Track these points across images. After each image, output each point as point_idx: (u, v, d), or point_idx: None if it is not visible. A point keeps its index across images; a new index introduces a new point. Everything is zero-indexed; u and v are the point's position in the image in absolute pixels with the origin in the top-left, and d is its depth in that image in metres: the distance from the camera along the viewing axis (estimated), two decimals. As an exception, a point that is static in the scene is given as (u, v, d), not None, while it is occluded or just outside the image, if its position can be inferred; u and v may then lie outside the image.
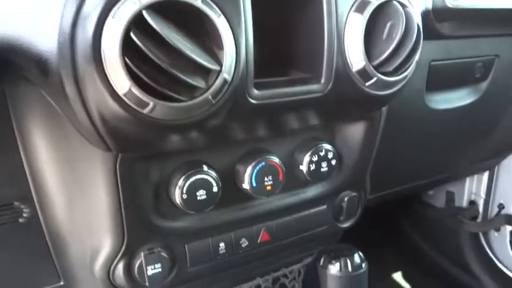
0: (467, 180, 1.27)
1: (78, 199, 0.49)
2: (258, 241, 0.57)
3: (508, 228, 1.19)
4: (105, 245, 0.50)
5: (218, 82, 0.38)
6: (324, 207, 0.62)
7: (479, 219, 1.24)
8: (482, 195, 1.24)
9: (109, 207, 0.46)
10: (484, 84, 0.83)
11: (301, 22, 0.47)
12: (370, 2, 0.45)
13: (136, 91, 0.35)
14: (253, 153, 0.53)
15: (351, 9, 0.45)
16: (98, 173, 0.44)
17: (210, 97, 0.38)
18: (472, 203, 1.26)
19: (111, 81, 0.35)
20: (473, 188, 1.27)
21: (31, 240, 0.56)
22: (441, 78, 0.75)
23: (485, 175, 1.23)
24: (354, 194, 0.64)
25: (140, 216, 0.49)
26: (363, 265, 0.51)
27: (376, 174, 0.68)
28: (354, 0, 0.45)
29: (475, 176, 1.25)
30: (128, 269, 0.51)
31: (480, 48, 0.78)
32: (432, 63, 0.72)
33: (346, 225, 0.66)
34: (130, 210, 0.47)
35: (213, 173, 0.49)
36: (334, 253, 0.52)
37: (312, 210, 0.61)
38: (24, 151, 0.49)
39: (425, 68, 0.71)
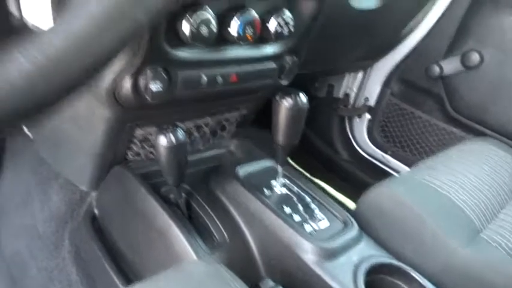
0: (346, 76, 1.58)
1: None
2: (229, 81, 0.73)
3: (367, 116, 1.57)
4: (121, 59, 0.59)
5: None
6: (274, 64, 0.80)
7: (349, 108, 1.59)
8: (355, 89, 1.58)
9: None
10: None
11: None
12: None
13: None
14: (240, 8, 0.66)
15: None
16: None
17: None
18: (346, 95, 1.60)
19: None
20: (349, 83, 1.59)
21: None
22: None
23: (360, 74, 1.56)
24: (295, 58, 0.83)
25: (155, 38, 0.59)
26: (306, 102, 0.72)
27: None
28: None
29: (352, 74, 1.57)
30: (135, 83, 0.62)
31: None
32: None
33: (284, 82, 0.85)
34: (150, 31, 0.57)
35: (213, 15, 0.62)
36: (286, 92, 0.72)
37: (267, 65, 0.78)
38: None
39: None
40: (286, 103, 0.71)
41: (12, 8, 0.44)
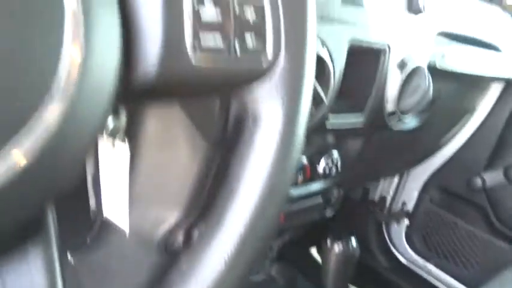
0: (381, 180, 1.56)
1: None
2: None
3: (406, 221, 1.52)
4: (174, 216, 0.60)
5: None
6: (320, 199, 0.80)
7: (385, 212, 1.55)
8: (391, 193, 1.55)
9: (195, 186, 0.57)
10: (426, 114, 1.08)
11: (358, 68, 0.62)
12: (407, 64, 0.62)
13: None
14: None
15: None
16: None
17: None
18: (382, 198, 1.56)
19: None
20: (384, 187, 1.56)
21: None
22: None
23: (396, 178, 1.54)
24: (341, 191, 0.82)
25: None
26: (357, 247, 0.70)
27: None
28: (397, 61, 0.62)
29: (388, 178, 1.56)
30: (188, 236, 0.62)
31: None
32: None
33: (329, 214, 0.84)
34: None
35: None
36: (336, 237, 0.70)
37: (313, 201, 0.78)
38: None
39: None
40: (336, 249, 0.69)
41: (92, 200, 0.46)
